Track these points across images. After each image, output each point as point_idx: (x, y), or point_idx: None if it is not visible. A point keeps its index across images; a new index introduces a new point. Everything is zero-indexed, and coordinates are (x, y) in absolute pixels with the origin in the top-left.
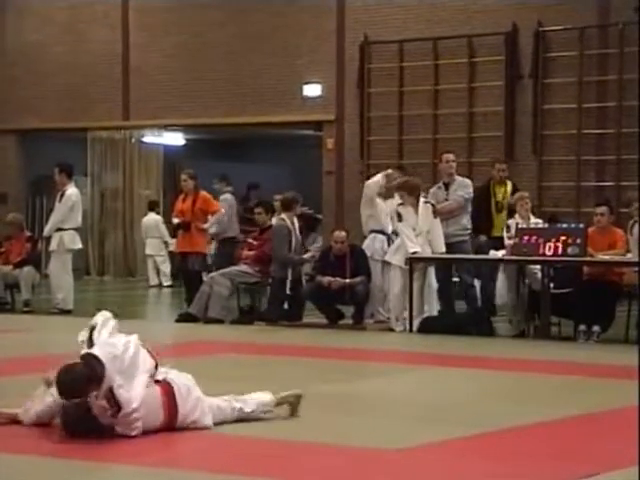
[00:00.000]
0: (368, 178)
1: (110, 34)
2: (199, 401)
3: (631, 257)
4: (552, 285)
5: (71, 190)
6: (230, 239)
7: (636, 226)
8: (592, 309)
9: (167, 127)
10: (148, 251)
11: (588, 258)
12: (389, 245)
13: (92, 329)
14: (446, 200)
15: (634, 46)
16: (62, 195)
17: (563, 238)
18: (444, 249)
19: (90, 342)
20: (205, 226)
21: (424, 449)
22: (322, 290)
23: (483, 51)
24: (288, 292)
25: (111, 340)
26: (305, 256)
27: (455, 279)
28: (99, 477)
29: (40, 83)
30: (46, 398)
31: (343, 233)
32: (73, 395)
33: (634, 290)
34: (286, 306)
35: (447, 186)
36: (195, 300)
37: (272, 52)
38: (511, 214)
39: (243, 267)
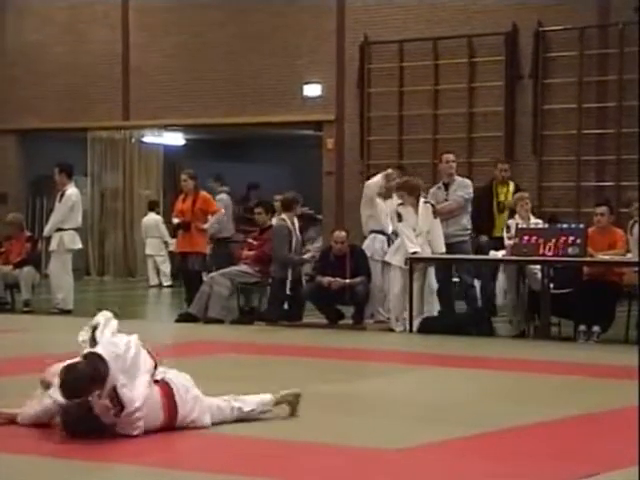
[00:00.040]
0: (368, 178)
1: (110, 34)
2: (197, 400)
3: (631, 257)
4: (552, 285)
5: (71, 190)
6: (225, 239)
7: (636, 226)
8: (592, 309)
9: (167, 127)
10: (148, 251)
11: (588, 258)
12: (389, 245)
13: (94, 329)
14: (446, 200)
15: (634, 46)
16: (62, 195)
17: (563, 238)
18: (444, 249)
19: (93, 341)
20: (205, 226)
21: (424, 449)
22: (322, 290)
23: (483, 51)
24: (288, 292)
25: (113, 339)
26: (305, 256)
27: (455, 279)
28: (99, 477)
29: (40, 83)
30: (44, 400)
31: (343, 233)
32: (75, 394)
33: (634, 290)
34: (286, 306)
35: (447, 186)
36: (195, 300)
37: (272, 52)
38: (511, 214)
39: (243, 267)
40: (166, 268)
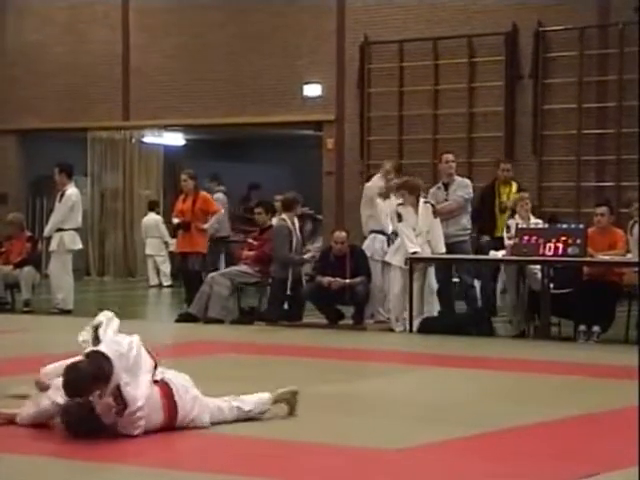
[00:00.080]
0: (368, 178)
1: (110, 34)
2: (197, 400)
3: (631, 257)
4: (552, 285)
5: (71, 190)
6: (222, 238)
7: (636, 226)
8: (592, 309)
9: (167, 127)
10: (148, 251)
11: (588, 258)
12: (389, 245)
13: (96, 328)
14: (446, 200)
15: (634, 46)
16: (62, 195)
17: (563, 238)
18: (444, 249)
19: (96, 340)
20: (205, 226)
21: (424, 449)
22: (322, 290)
23: (483, 51)
24: (288, 292)
25: (116, 338)
26: (305, 256)
27: (455, 279)
28: (100, 477)
29: (40, 83)
30: (42, 401)
31: (343, 233)
32: (78, 393)
33: (634, 290)
34: (286, 306)
35: (447, 186)
36: (195, 300)
37: (272, 52)
38: (512, 214)
39: (243, 267)
40: (166, 268)
